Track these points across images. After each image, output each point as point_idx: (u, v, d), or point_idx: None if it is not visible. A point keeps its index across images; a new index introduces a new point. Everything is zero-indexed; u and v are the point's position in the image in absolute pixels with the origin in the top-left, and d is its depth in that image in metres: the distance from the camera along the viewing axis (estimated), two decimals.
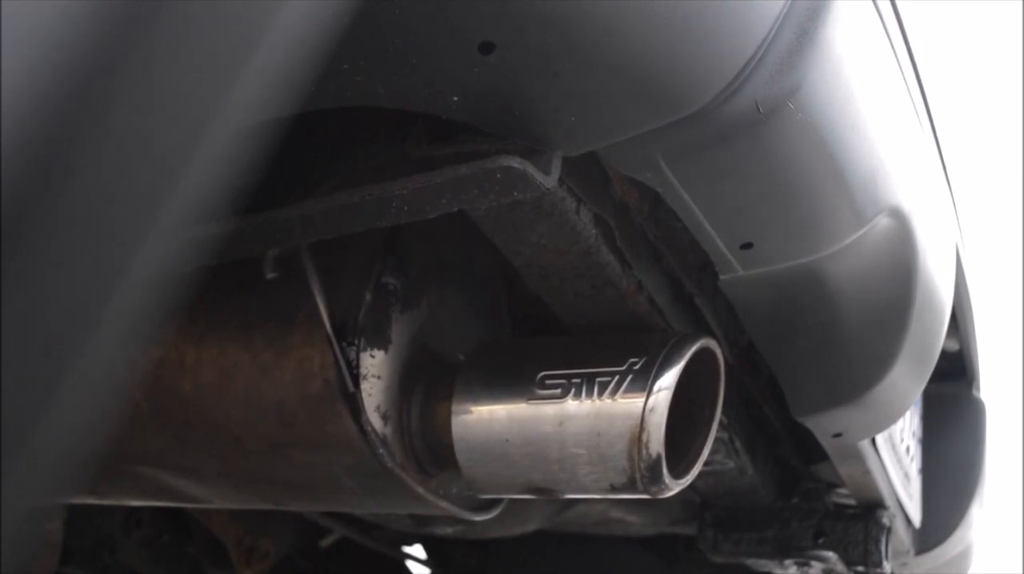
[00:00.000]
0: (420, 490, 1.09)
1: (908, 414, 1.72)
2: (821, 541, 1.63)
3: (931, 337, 1.18)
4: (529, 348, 1.09)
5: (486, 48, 0.68)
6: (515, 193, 0.79)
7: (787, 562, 1.66)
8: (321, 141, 0.93)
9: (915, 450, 1.80)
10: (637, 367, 0.99)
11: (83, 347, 0.37)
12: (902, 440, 1.66)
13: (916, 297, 1.08)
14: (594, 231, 0.94)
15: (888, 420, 1.33)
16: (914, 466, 1.79)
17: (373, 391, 1.03)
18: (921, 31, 1.23)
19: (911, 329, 1.10)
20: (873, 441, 1.43)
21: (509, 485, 1.07)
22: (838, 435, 1.29)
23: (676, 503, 1.75)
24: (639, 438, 0.96)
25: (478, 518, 1.23)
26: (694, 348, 1.01)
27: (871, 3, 0.97)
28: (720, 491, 1.59)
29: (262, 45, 0.39)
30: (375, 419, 1.03)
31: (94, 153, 0.35)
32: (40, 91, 0.34)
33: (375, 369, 1.03)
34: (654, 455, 0.97)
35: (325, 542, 2.21)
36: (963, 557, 2.07)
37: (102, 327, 0.37)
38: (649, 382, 0.97)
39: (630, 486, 0.99)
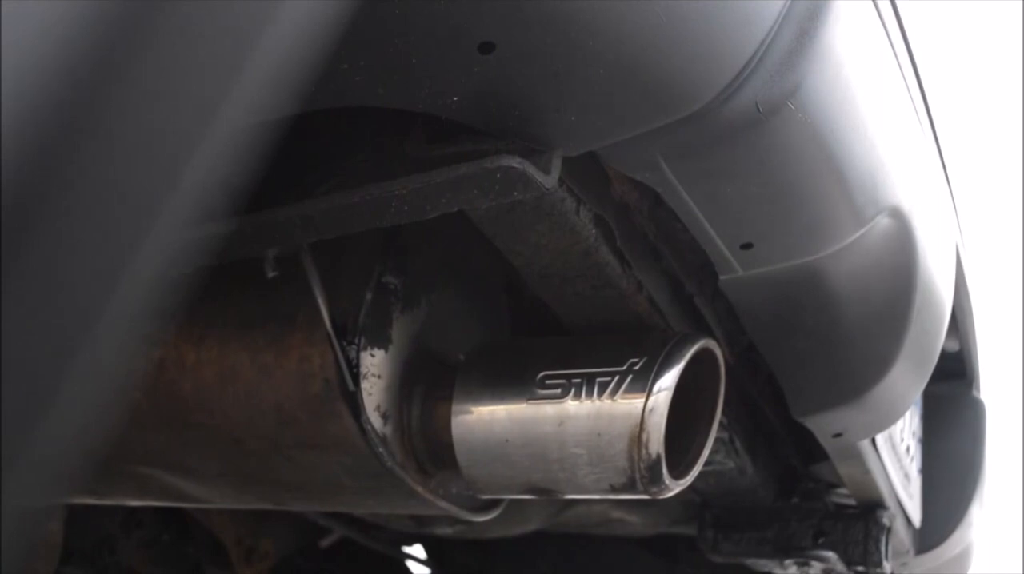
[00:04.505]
0: (420, 490, 1.09)
1: (908, 414, 1.72)
2: (821, 541, 1.63)
3: (931, 337, 1.18)
4: (529, 348, 1.09)
5: (486, 48, 0.68)
6: (515, 193, 0.79)
7: (787, 562, 1.66)
8: (321, 141, 0.93)
9: (915, 450, 1.80)
10: (637, 367, 0.99)
11: (83, 347, 0.37)
12: (902, 440, 1.65)
13: (916, 297, 1.08)
14: (594, 231, 0.94)
15: (888, 420, 1.33)
16: (914, 466, 1.79)
17: (373, 390, 1.03)
18: (921, 31, 1.23)
19: (911, 329, 1.10)
20: (873, 441, 1.43)
21: (509, 485, 1.07)
22: (838, 435, 1.29)
23: (676, 503, 1.75)
24: (639, 438, 0.96)
25: (478, 518, 1.23)
26: (694, 348, 1.01)
27: (871, 3, 0.97)
28: (720, 491, 1.59)
29: (262, 45, 0.39)
30: (375, 419, 1.03)
31: (94, 153, 0.35)
32: (40, 90, 0.34)
33: (375, 368, 1.03)
34: (654, 455, 0.97)
35: (325, 542, 2.21)
36: (963, 557, 2.07)
37: (102, 327, 0.37)
38: (649, 382, 0.97)
39: (630, 486, 0.99)
